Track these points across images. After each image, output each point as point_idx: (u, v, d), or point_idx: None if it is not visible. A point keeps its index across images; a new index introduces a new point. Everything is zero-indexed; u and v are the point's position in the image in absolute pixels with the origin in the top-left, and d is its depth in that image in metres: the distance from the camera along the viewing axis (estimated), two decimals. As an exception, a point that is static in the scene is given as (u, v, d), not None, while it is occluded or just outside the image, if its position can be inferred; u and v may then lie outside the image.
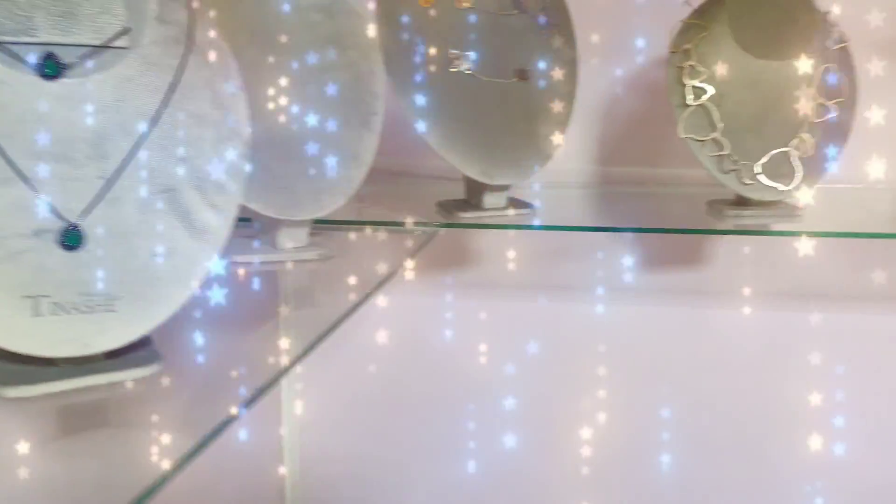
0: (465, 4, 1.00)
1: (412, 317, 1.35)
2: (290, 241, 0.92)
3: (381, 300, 1.14)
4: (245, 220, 0.87)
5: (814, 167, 0.97)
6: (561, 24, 1.05)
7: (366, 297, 0.80)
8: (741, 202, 1.00)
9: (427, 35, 0.98)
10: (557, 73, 1.03)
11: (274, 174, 0.87)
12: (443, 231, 1.02)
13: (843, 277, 1.24)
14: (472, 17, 1.00)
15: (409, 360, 1.38)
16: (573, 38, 1.06)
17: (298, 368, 0.77)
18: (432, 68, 0.98)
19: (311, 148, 0.89)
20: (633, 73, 1.23)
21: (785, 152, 0.97)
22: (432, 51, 0.98)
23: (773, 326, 1.25)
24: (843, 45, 0.99)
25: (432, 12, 0.99)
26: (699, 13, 1.00)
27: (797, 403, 1.18)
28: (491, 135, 0.99)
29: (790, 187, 0.96)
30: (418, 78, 0.97)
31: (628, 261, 1.26)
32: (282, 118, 0.87)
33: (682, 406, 1.29)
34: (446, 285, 1.35)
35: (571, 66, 1.05)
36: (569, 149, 1.15)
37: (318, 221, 0.93)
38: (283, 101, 0.87)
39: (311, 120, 0.89)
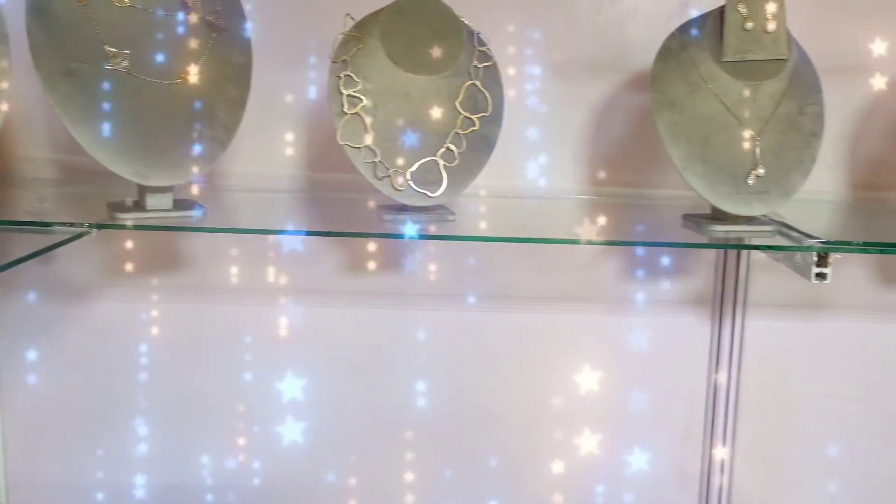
0: (126, 2, 0.98)
1: (115, 322, 1.32)
2: None
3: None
4: None
5: (460, 176, 1.04)
6: (232, 28, 1.06)
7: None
8: (401, 207, 1.04)
9: (79, 31, 0.96)
10: (225, 77, 1.04)
11: None
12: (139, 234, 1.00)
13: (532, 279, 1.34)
14: (131, 15, 0.98)
15: (115, 367, 1.34)
16: (246, 43, 1.08)
17: None
18: (85, 65, 0.96)
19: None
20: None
21: (434, 161, 1.03)
22: (85, 47, 0.96)
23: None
24: (488, 64, 1.07)
25: (87, 8, 0.96)
26: (358, 27, 1.05)
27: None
28: (147, 136, 0.98)
29: (437, 193, 1.03)
30: (67, 74, 0.95)
31: (324, 263, 1.30)
32: None
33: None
34: (152, 287, 1.33)
35: (242, 71, 1.07)
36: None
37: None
38: None
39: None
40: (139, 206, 1.03)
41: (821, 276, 0.99)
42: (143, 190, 1.02)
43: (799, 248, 0.97)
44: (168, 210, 1.03)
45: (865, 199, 1.28)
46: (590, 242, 0.97)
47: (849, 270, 1.33)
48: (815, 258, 0.99)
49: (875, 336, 1.34)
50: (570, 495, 1.38)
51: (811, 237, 0.99)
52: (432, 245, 1.24)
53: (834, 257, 0.98)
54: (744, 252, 1.32)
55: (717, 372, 1.37)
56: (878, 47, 1.19)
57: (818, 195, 1.23)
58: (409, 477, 1.37)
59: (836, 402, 1.37)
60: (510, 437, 1.37)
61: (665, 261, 1.32)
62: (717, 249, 1.32)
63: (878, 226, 1.26)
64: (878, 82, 1.20)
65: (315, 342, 1.32)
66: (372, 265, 1.28)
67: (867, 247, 1.00)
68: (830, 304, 1.33)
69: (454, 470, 1.38)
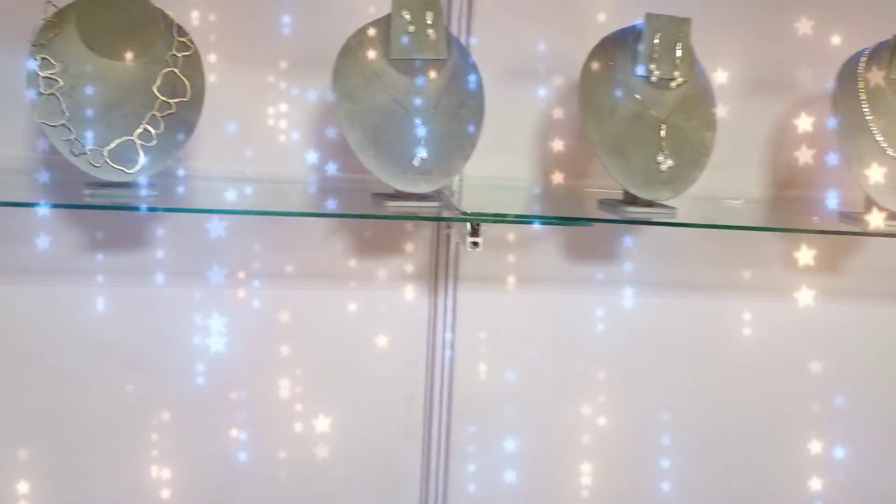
0: None
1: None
2: None
3: None
4: None
5: (158, 155, 1.14)
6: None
7: None
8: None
9: None
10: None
11: None
12: None
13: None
14: None
15: None
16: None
17: None
18: None
19: None
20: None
21: (131, 140, 1.12)
22: None
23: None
24: (187, 53, 1.17)
25: None
26: (58, 14, 1.12)
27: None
28: None
29: (134, 170, 1.12)
30: None
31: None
32: None
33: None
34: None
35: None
36: None
37: None
38: None
39: None
40: None
41: (474, 244, 1.16)
42: None
43: (449, 219, 1.13)
44: None
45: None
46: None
47: (543, 247, 1.53)
48: (469, 229, 1.16)
49: (565, 304, 1.55)
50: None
51: (464, 211, 1.16)
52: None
53: (483, 228, 1.16)
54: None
55: (434, 338, 1.53)
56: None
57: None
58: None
59: (540, 361, 1.57)
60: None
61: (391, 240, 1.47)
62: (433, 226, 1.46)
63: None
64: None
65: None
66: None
67: (498, 218, 1.18)
68: (528, 278, 1.53)
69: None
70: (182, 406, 1.45)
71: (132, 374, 1.42)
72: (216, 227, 1.17)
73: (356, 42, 1.20)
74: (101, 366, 1.41)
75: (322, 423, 1.45)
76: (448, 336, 1.53)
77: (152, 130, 1.14)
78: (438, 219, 1.20)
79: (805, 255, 1.27)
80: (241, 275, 1.42)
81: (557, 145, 1.44)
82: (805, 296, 1.34)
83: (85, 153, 1.11)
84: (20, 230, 1.28)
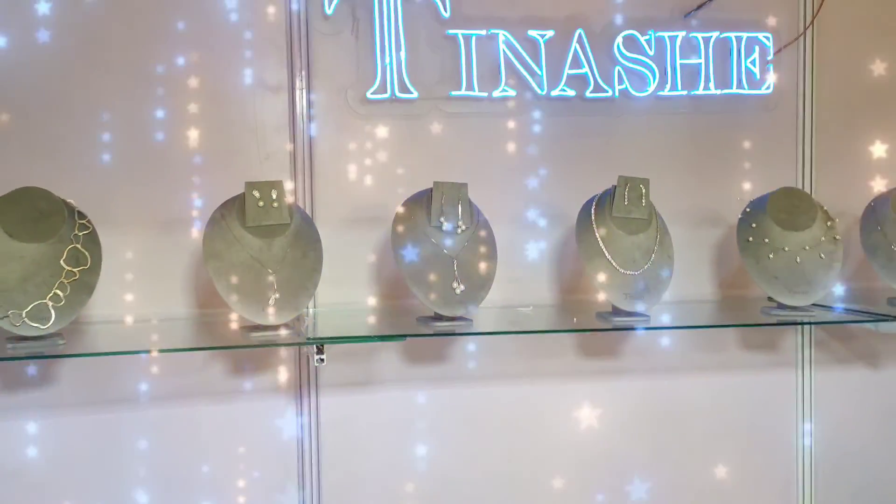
0: None
1: None
2: None
3: None
4: None
5: (66, 312, 1.47)
6: None
7: None
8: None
9: None
10: None
11: None
12: None
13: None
14: None
15: None
16: None
17: None
18: None
19: None
20: None
21: (45, 303, 1.45)
22: None
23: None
24: (87, 231, 1.52)
25: None
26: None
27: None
28: None
29: (47, 326, 1.44)
30: None
31: None
32: None
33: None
34: None
35: None
36: None
37: None
38: None
39: None
40: None
41: (320, 360, 1.54)
42: None
43: (298, 344, 1.51)
44: None
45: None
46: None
47: (385, 355, 1.92)
48: (316, 349, 1.54)
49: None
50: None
51: (309, 338, 1.54)
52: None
53: (326, 348, 1.54)
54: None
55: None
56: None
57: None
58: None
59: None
60: None
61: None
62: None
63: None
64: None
65: None
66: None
67: (334, 340, 1.57)
68: (380, 379, 1.90)
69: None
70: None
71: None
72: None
73: (220, 214, 1.59)
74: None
75: None
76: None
77: (61, 293, 1.47)
78: (287, 344, 1.57)
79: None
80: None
81: (382, 274, 1.86)
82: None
83: (7, 316, 1.43)
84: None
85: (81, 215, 1.54)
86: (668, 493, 2.06)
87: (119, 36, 1.73)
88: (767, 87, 2.05)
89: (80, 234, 1.52)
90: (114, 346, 1.58)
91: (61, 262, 1.48)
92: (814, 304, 1.79)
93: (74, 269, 1.49)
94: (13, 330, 1.44)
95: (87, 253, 1.51)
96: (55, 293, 1.47)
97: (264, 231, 1.57)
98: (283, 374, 1.86)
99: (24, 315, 1.44)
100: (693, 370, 2.05)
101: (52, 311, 1.46)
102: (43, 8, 1.69)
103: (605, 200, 1.75)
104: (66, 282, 1.48)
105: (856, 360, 2.14)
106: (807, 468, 2.13)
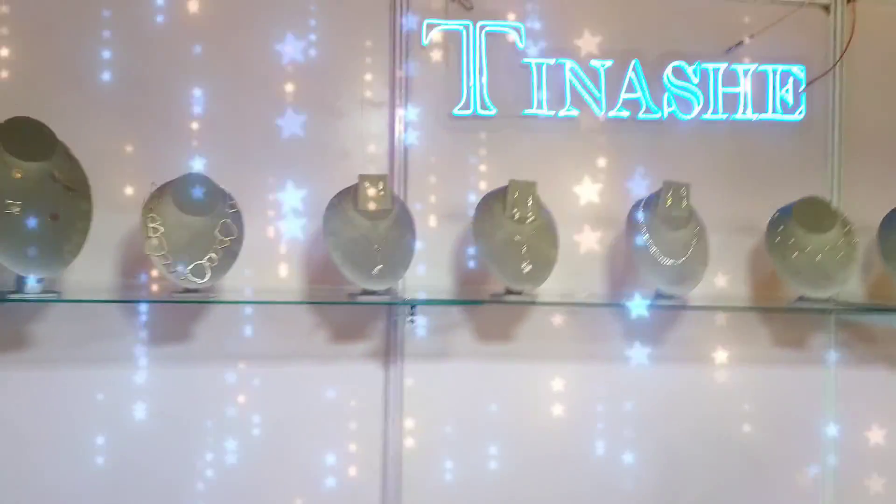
0: (17, 175, 1.75)
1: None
2: None
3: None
4: None
5: (218, 272, 1.87)
6: (80, 189, 1.85)
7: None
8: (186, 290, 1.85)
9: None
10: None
11: None
12: None
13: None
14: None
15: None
16: (90, 198, 1.86)
17: None
18: None
19: None
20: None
21: (202, 263, 1.86)
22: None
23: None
24: (235, 210, 1.93)
25: (-3, 177, 1.72)
26: (159, 188, 1.88)
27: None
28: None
29: (203, 281, 1.85)
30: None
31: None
32: None
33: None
34: None
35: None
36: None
37: None
38: None
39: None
40: (20, 290, 1.76)
41: (412, 320, 1.91)
42: (22, 281, 1.76)
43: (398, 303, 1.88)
44: (39, 292, 1.77)
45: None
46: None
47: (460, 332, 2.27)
48: (409, 310, 1.91)
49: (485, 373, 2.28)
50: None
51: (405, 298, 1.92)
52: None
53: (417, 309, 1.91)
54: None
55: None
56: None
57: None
58: None
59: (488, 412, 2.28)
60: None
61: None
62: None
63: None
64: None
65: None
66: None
67: (428, 302, 1.94)
68: (453, 353, 2.25)
69: None
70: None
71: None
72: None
73: (337, 200, 1.98)
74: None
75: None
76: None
77: (215, 256, 1.88)
78: (390, 303, 1.95)
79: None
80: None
81: (465, 262, 2.23)
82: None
83: (175, 271, 1.84)
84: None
85: (230, 198, 1.95)
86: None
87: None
88: (800, 113, 2.36)
89: (230, 212, 1.93)
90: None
91: (215, 231, 1.89)
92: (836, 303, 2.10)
93: (225, 238, 1.90)
94: (180, 283, 1.84)
95: (234, 226, 1.92)
96: (210, 256, 1.88)
97: (372, 214, 1.96)
98: (376, 342, 2.23)
99: (188, 271, 1.85)
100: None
101: (208, 271, 1.87)
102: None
103: (651, 201, 2.09)
104: (218, 247, 1.89)
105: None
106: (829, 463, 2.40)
